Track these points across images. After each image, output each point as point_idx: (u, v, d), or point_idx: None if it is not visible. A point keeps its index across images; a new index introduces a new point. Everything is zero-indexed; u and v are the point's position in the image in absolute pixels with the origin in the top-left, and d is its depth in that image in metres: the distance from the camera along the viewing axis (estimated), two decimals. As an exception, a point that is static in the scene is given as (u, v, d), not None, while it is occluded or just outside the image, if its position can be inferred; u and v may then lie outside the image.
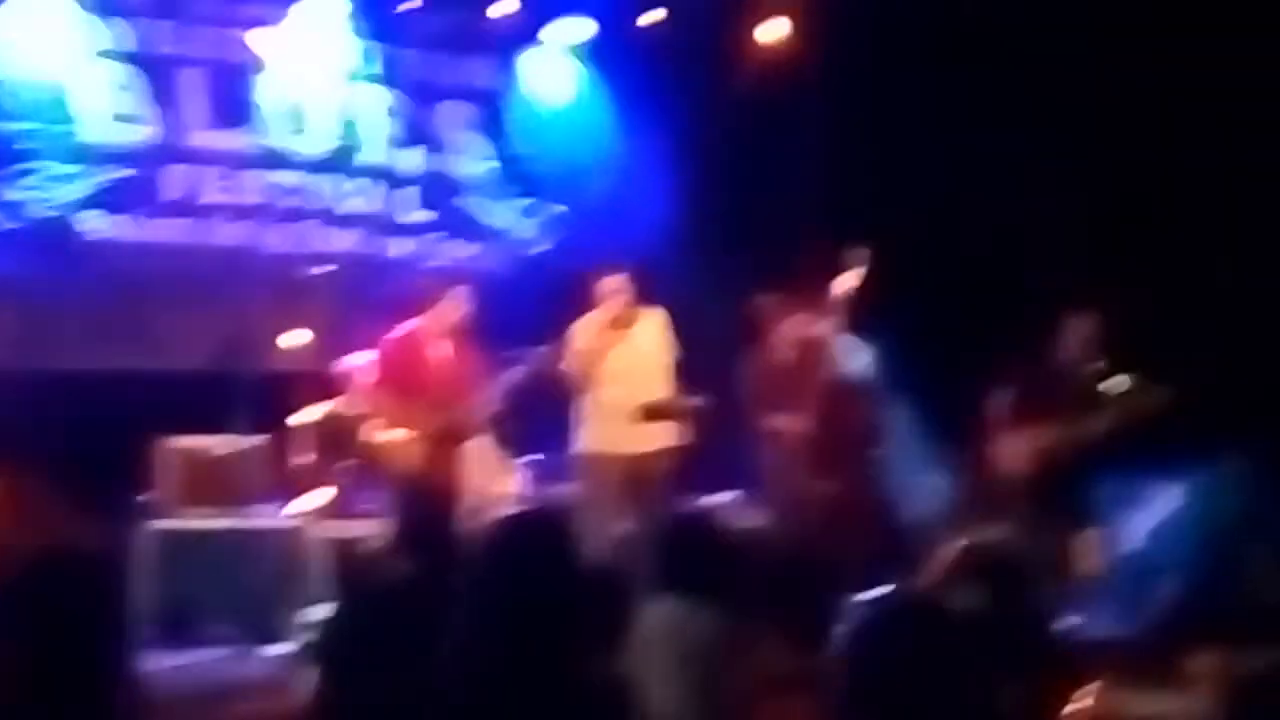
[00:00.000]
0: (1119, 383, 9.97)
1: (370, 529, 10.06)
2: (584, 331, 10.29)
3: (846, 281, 10.30)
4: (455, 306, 10.13)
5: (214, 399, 10.48)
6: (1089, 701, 6.72)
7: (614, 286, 10.31)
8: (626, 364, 10.20)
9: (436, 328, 10.08)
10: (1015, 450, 10.24)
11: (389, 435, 9.98)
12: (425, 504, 9.21)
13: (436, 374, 9.90)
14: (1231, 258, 11.70)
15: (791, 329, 10.63)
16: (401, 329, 10.23)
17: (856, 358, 10.49)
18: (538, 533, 4.35)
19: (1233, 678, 5.63)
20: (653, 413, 10.14)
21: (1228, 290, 11.73)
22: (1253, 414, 10.41)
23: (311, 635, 7.35)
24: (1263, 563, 8.04)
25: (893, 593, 3.40)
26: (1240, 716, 3.14)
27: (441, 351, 10.06)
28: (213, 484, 10.44)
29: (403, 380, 9.87)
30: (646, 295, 10.48)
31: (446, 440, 9.90)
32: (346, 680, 5.61)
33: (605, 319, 10.29)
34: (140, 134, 12.33)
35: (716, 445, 10.65)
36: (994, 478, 10.37)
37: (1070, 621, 8.56)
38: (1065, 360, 10.35)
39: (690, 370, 10.50)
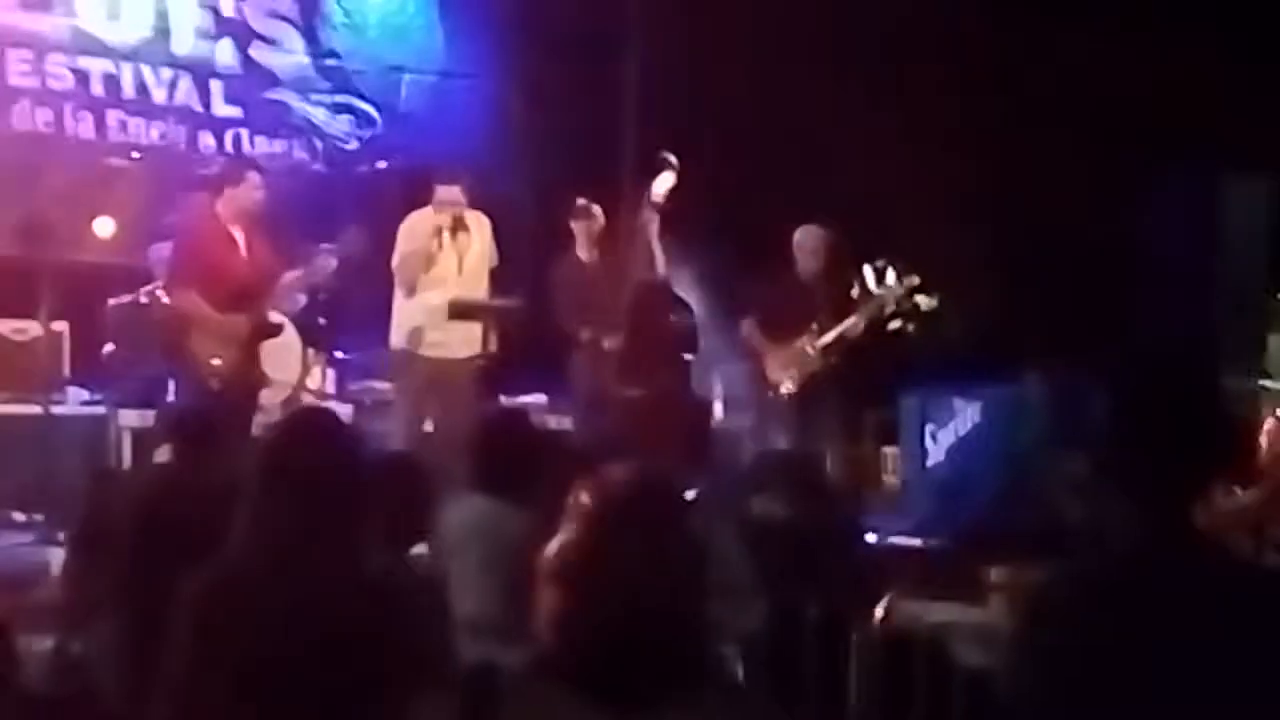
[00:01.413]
0: (876, 287, 10.14)
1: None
2: (412, 232, 10.18)
3: (659, 188, 10.33)
4: (247, 192, 9.77)
5: (17, 284, 10.30)
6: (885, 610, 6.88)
7: (450, 197, 10.19)
8: (452, 268, 10.11)
9: (229, 214, 9.69)
10: (777, 365, 10.40)
11: (191, 326, 9.68)
12: (224, 396, 9.09)
13: (235, 263, 9.59)
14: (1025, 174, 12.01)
15: (580, 233, 10.67)
16: (195, 216, 9.94)
17: (668, 264, 10.53)
18: (324, 428, 4.34)
19: (1024, 589, 5.79)
20: (466, 310, 10.08)
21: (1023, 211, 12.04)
22: (1052, 335, 10.64)
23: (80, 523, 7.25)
24: (1060, 480, 8.23)
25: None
26: (1029, 625, 3.22)
27: (238, 240, 9.69)
28: (14, 369, 10.29)
29: (202, 270, 9.54)
30: (473, 201, 10.37)
31: (248, 333, 9.65)
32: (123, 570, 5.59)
33: (435, 222, 10.16)
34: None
35: (527, 349, 10.68)
36: (768, 392, 10.52)
37: (869, 533, 8.74)
38: (806, 273, 10.50)
39: (505, 272, 10.48)
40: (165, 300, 10.31)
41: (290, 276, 9.60)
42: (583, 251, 10.72)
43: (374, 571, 4.21)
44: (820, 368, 10.27)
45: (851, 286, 10.23)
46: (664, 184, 10.29)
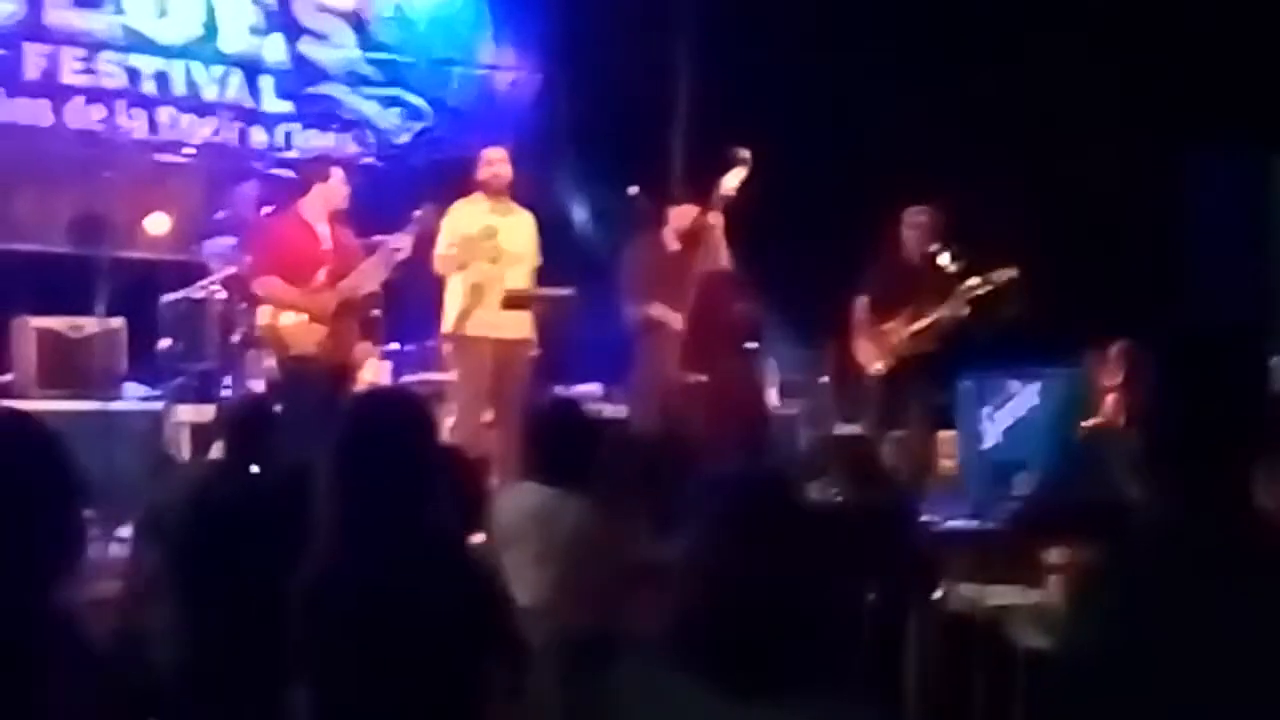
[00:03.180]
0: (968, 273, 10.10)
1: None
2: (457, 221, 10.17)
3: (730, 179, 10.28)
4: (334, 189, 9.76)
5: (72, 281, 10.34)
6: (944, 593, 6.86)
7: (495, 157, 10.28)
8: (499, 251, 10.10)
9: (314, 212, 9.69)
10: (870, 348, 10.38)
11: (277, 318, 9.61)
12: (320, 385, 9.03)
13: (321, 256, 9.58)
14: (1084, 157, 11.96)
15: (674, 221, 10.59)
16: (281, 211, 9.97)
17: (734, 255, 10.49)
18: (391, 410, 4.36)
19: (1081, 569, 5.76)
20: (520, 300, 10.08)
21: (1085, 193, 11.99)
22: (1108, 315, 10.59)
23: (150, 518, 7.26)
24: (1116, 460, 8.18)
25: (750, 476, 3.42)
26: (1078, 604, 3.20)
27: (323, 234, 9.69)
28: (72, 366, 10.33)
29: (287, 262, 9.53)
30: (518, 194, 10.38)
31: (341, 320, 9.58)
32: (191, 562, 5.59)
33: (479, 206, 10.19)
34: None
35: (583, 337, 10.68)
36: (854, 375, 10.50)
37: (928, 515, 8.73)
38: (911, 255, 10.45)
39: (558, 263, 10.48)
40: (234, 293, 10.36)
41: (370, 261, 9.56)
42: (669, 239, 10.60)
43: (450, 554, 4.25)
44: (910, 351, 10.26)
45: (949, 270, 10.20)
46: (735, 178, 10.25)
